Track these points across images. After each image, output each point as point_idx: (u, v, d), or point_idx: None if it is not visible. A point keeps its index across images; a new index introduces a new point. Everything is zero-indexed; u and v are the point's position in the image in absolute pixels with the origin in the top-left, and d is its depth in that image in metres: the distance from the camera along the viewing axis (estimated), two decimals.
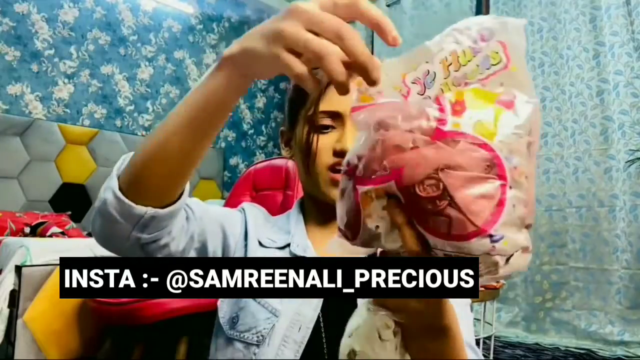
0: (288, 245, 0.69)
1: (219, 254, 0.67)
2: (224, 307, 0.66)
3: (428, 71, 0.41)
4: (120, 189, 0.53)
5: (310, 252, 0.68)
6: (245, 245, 0.68)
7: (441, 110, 0.38)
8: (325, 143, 0.66)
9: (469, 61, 0.40)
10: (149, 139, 0.52)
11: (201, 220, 0.63)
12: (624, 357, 2.31)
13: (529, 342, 2.64)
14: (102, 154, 3.24)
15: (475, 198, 0.35)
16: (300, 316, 0.62)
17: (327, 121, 0.67)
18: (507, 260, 0.36)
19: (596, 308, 2.56)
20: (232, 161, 4.16)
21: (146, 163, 0.52)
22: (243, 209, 0.74)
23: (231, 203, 2.15)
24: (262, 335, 0.60)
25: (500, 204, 0.35)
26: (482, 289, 2.01)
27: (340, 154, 0.65)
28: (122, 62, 3.47)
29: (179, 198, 0.55)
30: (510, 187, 0.36)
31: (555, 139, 2.77)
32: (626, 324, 2.43)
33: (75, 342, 1.69)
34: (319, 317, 0.62)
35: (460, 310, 0.49)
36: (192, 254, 0.63)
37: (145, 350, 1.64)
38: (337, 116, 0.67)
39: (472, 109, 0.38)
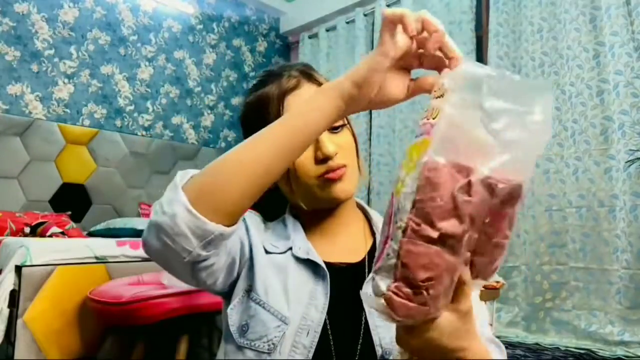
0: (290, 249, 0.69)
1: (239, 265, 0.66)
2: (234, 315, 0.65)
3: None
4: None
5: (313, 255, 0.67)
6: (251, 251, 0.68)
7: None
8: (303, 157, 0.65)
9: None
10: (232, 157, 0.53)
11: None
12: (624, 357, 2.32)
13: (529, 342, 2.64)
14: (102, 154, 3.24)
15: None
16: (308, 320, 0.62)
17: None
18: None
19: (596, 308, 2.56)
20: None
21: (229, 179, 0.52)
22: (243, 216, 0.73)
23: None
24: (273, 344, 0.60)
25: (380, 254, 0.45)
26: (482, 289, 2.01)
27: (323, 160, 0.66)
28: (122, 62, 3.47)
29: None
30: (390, 239, 0.43)
31: (555, 139, 2.77)
32: (626, 324, 2.43)
33: (76, 342, 1.69)
34: (325, 320, 0.62)
35: (477, 308, 0.51)
36: (225, 270, 0.63)
37: (145, 350, 1.64)
38: None
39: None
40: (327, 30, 4.16)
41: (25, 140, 2.92)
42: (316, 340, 0.61)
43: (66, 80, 3.19)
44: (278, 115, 0.65)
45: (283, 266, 0.67)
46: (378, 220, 0.77)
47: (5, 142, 2.84)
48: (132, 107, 3.52)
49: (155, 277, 1.72)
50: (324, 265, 0.66)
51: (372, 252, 0.71)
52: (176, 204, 0.51)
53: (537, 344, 2.61)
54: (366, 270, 0.70)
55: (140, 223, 2.58)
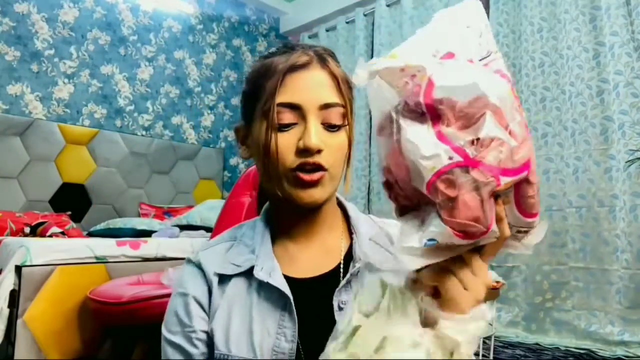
0: (252, 268, 0.62)
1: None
2: None
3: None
4: None
5: (276, 275, 0.62)
6: (210, 294, 0.63)
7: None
8: (286, 141, 0.59)
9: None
10: None
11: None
12: (624, 357, 2.31)
13: (529, 342, 2.64)
14: (102, 154, 3.24)
15: None
16: (279, 354, 0.58)
17: (287, 116, 0.59)
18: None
19: (596, 308, 2.56)
20: (232, 161, 4.16)
21: None
22: (199, 262, 0.66)
23: (231, 203, 2.15)
24: None
25: None
26: None
27: (303, 152, 0.59)
28: (122, 62, 3.47)
29: None
30: None
31: (555, 139, 2.77)
32: (626, 324, 2.43)
33: (76, 342, 1.69)
34: (298, 346, 0.59)
35: None
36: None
37: (145, 350, 1.63)
38: (296, 108, 0.60)
39: None
40: (327, 30, 4.16)
41: (25, 140, 2.92)
42: None
43: (66, 80, 3.19)
44: (275, 88, 0.59)
45: (244, 296, 0.62)
46: (357, 217, 0.70)
47: (5, 142, 2.84)
48: (132, 107, 3.52)
49: (155, 277, 1.71)
50: (287, 292, 0.60)
51: (348, 255, 0.66)
52: None
53: (537, 344, 2.61)
54: (341, 276, 0.64)
55: (140, 223, 2.58)
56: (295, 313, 0.60)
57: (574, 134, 2.68)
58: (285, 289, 0.60)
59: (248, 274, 0.62)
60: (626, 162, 2.43)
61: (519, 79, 2.94)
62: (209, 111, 4.00)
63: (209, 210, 2.61)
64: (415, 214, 0.47)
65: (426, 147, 0.41)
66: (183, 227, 2.56)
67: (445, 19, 0.49)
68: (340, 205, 0.72)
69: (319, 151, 0.59)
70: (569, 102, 2.70)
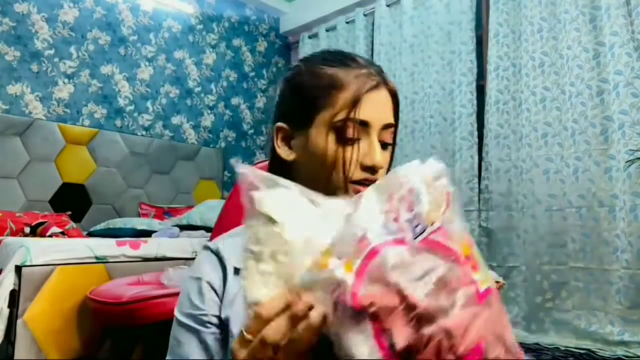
0: None
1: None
2: None
3: (411, 189, 0.46)
4: None
5: None
6: (225, 284, 0.63)
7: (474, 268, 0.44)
8: (351, 155, 0.62)
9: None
10: None
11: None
12: (624, 357, 2.31)
13: (529, 342, 2.64)
14: (102, 154, 3.24)
15: None
16: None
17: (355, 131, 0.62)
18: None
19: (596, 308, 2.56)
20: (232, 161, 4.16)
21: None
22: (217, 249, 0.66)
23: (231, 203, 2.15)
24: None
25: None
26: None
27: (368, 168, 0.62)
28: (122, 62, 3.47)
29: None
30: None
31: (555, 139, 2.77)
32: (626, 324, 2.43)
33: (75, 342, 1.69)
34: None
35: None
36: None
37: (145, 350, 1.64)
38: (364, 125, 0.62)
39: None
40: (327, 30, 4.16)
41: (25, 140, 2.92)
42: None
43: (66, 80, 3.19)
44: (352, 104, 0.61)
45: None
46: None
47: (5, 142, 2.84)
48: (132, 107, 3.52)
49: (155, 277, 1.72)
50: None
51: None
52: None
53: (537, 344, 2.61)
54: None
55: (140, 223, 2.58)
56: None
57: (574, 134, 2.68)
58: None
59: None
60: (626, 162, 2.43)
61: (519, 79, 2.94)
62: (209, 111, 4.00)
63: (209, 210, 2.61)
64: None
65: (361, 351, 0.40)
66: (183, 227, 2.56)
67: (373, 198, 0.46)
68: None
69: (381, 169, 0.63)
70: (569, 102, 2.70)
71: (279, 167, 0.69)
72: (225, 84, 4.12)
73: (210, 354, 0.61)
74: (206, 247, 0.68)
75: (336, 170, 0.62)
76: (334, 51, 0.69)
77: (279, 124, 0.70)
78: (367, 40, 3.87)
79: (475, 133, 3.08)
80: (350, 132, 0.61)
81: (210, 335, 0.61)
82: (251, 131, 4.29)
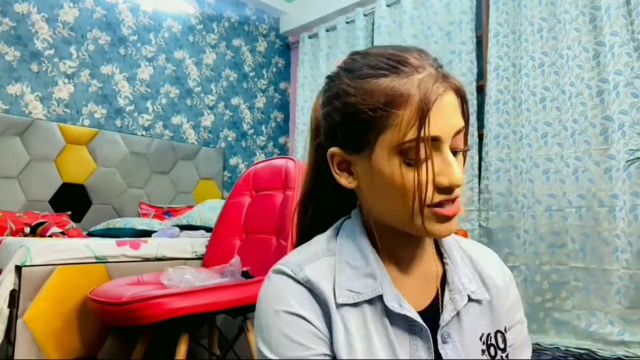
0: (379, 297, 0.57)
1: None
2: None
3: None
4: None
5: (405, 305, 0.57)
6: (329, 319, 0.57)
7: None
8: (424, 177, 0.53)
9: None
10: None
11: None
12: (624, 357, 2.32)
13: None
14: (102, 154, 3.24)
15: None
16: None
17: (427, 151, 0.53)
18: None
19: (596, 308, 2.56)
20: (232, 161, 4.16)
21: None
22: (307, 279, 0.57)
23: (231, 203, 2.16)
24: None
25: None
26: None
27: (446, 189, 0.54)
28: (122, 62, 3.47)
29: None
30: None
31: (555, 139, 2.77)
32: (626, 324, 2.43)
33: (75, 342, 1.69)
34: None
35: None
36: None
37: (145, 350, 1.64)
38: (435, 140, 0.53)
39: None
40: (327, 30, 4.16)
41: (25, 140, 2.92)
42: None
43: (66, 80, 3.19)
44: (418, 122, 0.52)
45: (363, 324, 0.56)
46: (445, 238, 0.66)
47: (5, 142, 2.84)
48: (132, 107, 3.52)
49: (155, 277, 1.72)
50: (422, 322, 0.57)
51: (442, 281, 0.63)
52: None
53: (537, 344, 2.61)
54: (439, 304, 0.61)
55: (140, 223, 2.58)
56: (431, 342, 0.57)
57: (574, 134, 2.68)
58: (419, 319, 0.57)
59: (370, 304, 0.58)
60: (626, 162, 2.43)
61: (518, 79, 2.94)
62: (209, 111, 4.00)
63: (209, 210, 2.61)
64: None
65: None
66: (183, 227, 2.56)
67: None
68: None
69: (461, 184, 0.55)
70: (569, 102, 2.70)
71: (337, 195, 0.65)
72: (225, 84, 4.12)
73: None
74: (288, 275, 0.58)
75: (408, 196, 0.53)
76: (378, 52, 0.57)
77: (333, 149, 0.60)
78: (367, 40, 3.87)
79: (475, 133, 3.08)
80: (422, 153, 0.52)
81: None
82: (251, 131, 4.29)
